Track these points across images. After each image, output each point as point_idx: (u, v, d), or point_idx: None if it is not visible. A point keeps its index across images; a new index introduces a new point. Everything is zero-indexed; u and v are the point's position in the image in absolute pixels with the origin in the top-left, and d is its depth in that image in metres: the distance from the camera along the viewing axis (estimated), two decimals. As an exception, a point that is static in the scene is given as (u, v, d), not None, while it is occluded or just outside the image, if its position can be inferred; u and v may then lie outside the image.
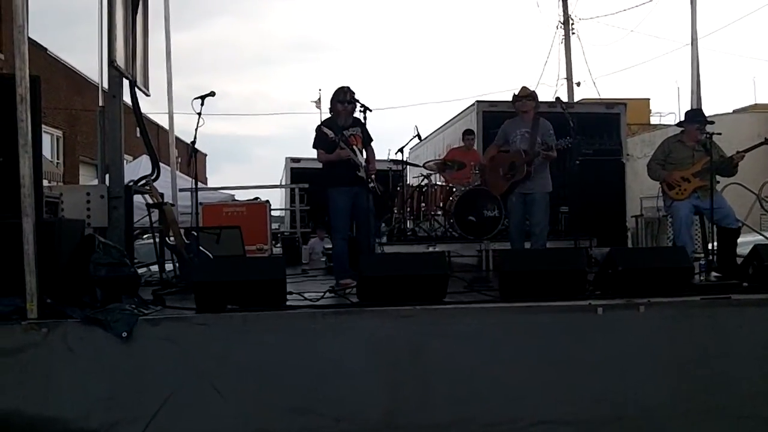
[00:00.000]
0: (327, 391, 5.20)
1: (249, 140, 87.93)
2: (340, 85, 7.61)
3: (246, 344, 5.22)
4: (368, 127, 7.70)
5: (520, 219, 8.06)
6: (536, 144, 7.85)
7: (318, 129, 7.55)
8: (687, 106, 9.90)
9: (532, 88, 8.29)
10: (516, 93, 8.19)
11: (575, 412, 5.35)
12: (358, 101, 7.51)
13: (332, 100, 7.60)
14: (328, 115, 7.71)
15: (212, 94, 7.03)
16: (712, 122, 7.78)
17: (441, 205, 10.30)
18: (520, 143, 7.95)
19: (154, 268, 8.09)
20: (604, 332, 5.50)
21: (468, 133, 11.50)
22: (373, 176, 7.55)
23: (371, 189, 7.49)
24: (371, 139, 7.73)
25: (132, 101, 8.11)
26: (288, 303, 5.68)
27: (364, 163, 7.44)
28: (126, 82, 7.78)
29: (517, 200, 8.02)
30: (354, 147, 7.42)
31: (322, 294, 6.28)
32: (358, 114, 7.65)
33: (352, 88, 7.56)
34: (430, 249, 9.23)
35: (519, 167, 7.88)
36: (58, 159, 22.58)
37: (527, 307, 5.56)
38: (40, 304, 5.08)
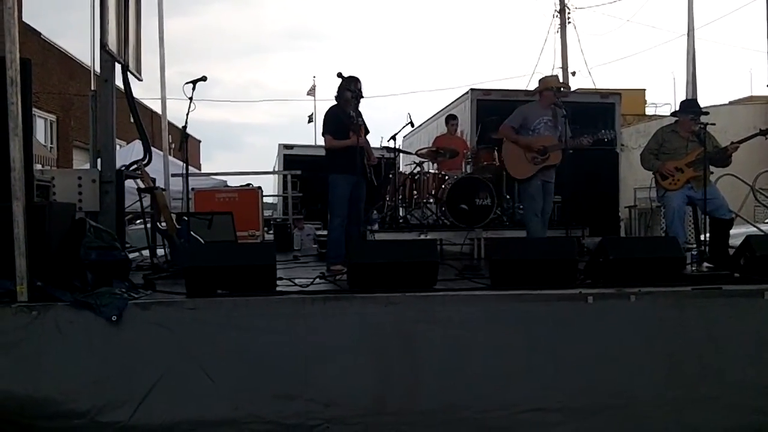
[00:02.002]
0: (316, 377, 5.21)
1: (242, 128, 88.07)
2: (351, 75, 7.62)
3: (236, 329, 5.21)
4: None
5: (540, 204, 8.07)
6: (560, 132, 7.97)
7: (330, 114, 7.58)
8: (683, 97, 9.87)
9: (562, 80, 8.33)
10: (550, 81, 8.23)
11: (565, 399, 5.36)
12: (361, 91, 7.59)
13: (341, 88, 7.60)
14: (334, 103, 7.70)
15: (204, 78, 6.99)
16: (706, 113, 7.78)
17: (433, 192, 10.29)
18: (545, 130, 8.03)
19: (146, 252, 8.08)
20: (595, 321, 5.50)
21: (451, 118, 11.50)
22: (372, 167, 7.66)
23: (369, 179, 7.60)
24: (368, 131, 7.78)
25: (124, 86, 8.07)
26: (278, 288, 5.69)
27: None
28: (118, 67, 7.74)
29: (541, 186, 8.04)
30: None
31: (312, 280, 6.29)
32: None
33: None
34: (422, 237, 9.23)
35: (554, 154, 7.93)
36: (51, 144, 22.43)
37: (518, 295, 5.56)
38: (30, 287, 5.07)
